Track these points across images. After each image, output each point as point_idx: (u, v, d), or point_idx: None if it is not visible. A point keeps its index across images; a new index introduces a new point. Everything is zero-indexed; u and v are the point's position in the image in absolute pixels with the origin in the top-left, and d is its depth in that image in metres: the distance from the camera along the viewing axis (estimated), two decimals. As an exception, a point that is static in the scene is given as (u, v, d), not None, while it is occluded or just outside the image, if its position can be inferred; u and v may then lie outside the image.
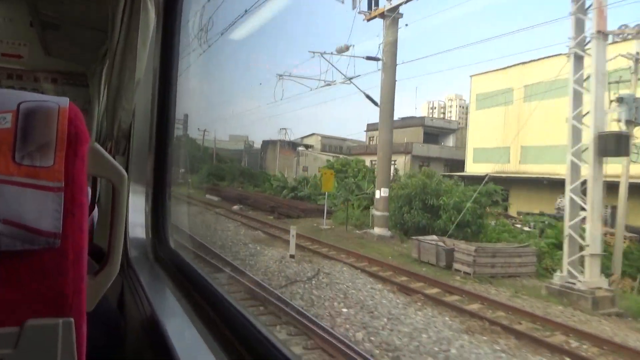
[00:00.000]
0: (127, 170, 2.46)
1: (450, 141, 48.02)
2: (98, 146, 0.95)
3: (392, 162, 27.70)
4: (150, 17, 2.27)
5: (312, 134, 66.99)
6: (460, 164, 37.20)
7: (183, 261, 2.22)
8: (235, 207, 27.54)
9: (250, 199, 29.70)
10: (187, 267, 2.11)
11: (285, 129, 70.04)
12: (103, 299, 1.98)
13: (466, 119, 48.33)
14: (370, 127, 48.57)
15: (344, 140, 68.97)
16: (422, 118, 52.85)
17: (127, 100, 2.39)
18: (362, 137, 58.81)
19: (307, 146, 61.12)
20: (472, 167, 33.82)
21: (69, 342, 0.82)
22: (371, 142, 47.71)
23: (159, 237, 2.53)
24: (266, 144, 60.02)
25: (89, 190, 2.12)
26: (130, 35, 2.26)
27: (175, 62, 2.58)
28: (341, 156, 53.78)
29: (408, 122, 45.57)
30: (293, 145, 60.46)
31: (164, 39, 2.52)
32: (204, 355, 1.34)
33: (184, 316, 1.67)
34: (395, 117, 27.41)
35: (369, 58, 22.61)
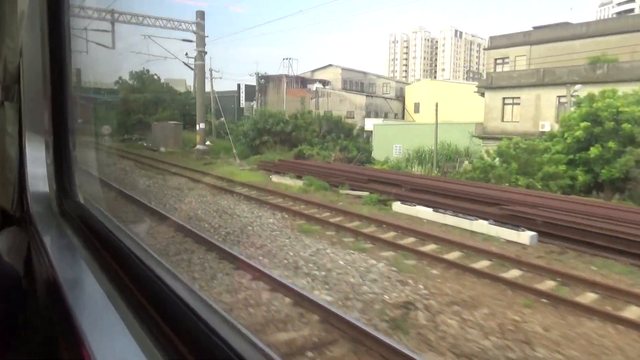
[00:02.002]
0: (19, 119, 2.20)
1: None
2: None
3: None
4: None
5: (329, 66, 54.50)
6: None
7: (91, 215, 2.05)
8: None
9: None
10: (96, 222, 1.95)
11: (289, 59, 63.55)
12: (3, 261, 1.80)
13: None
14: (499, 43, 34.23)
15: (365, 74, 57.63)
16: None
17: (10, 38, 2.08)
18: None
19: (323, 82, 50.46)
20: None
21: None
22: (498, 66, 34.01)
23: (64, 190, 2.32)
24: (266, 81, 48.80)
25: None
26: None
27: (66, -8, 2.27)
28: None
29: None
30: (303, 81, 50.21)
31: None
32: (111, 320, 1.24)
33: (90, 277, 1.54)
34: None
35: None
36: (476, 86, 35.01)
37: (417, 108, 50.72)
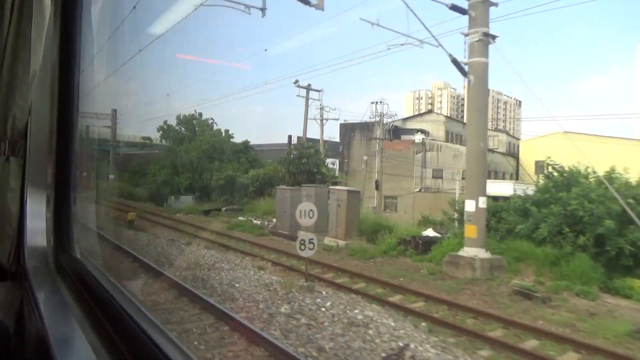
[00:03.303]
0: (23, 173, 2.24)
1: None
2: None
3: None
4: (46, 3, 2.07)
5: (428, 112, 43.63)
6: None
7: (87, 271, 2.04)
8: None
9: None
10: (91, 278, 1.94)
11: (379, 102, 37.05)
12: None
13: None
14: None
15: (465, 124, 40.06)
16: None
17: (21, 96, 2.16)
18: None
19: (424, 132, 39.40)
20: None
21: None
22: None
23: (61, 245, 2.32)
24: (350, 130, 39.55)
25: None
26: (22, 23, 2.05)
27: (77, 55, 2.37)
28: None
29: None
30: (394, 131, 38.70)
31: (63, 29, 2.30)
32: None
33: (81, 336, 1.51)
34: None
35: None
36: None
37: (540, 168, 41.84)
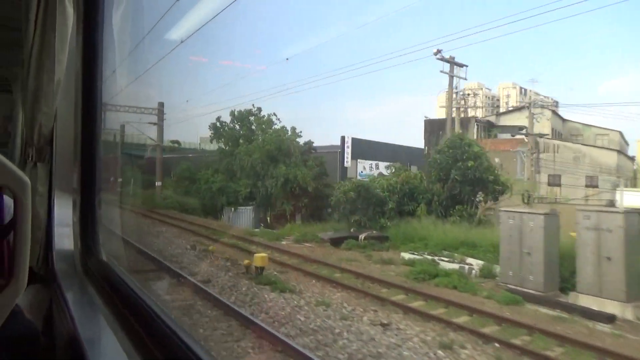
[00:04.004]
0: (50, 179, 2.31)
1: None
2: None
3: None
4: (68, 14, 2.13)
5: (525, 107, 33.79)
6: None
7: (113, 273, 2.10)
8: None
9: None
10: (117, 280, 2.00)
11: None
12: (23, 317, 1.84)
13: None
14: None
15: (564, 121, 39.25)
16: None
17: (47, 104, 2.23)
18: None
19: (522, 129, 31.66)
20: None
21: None
22: None
23: (87, 248, 2.39)
24: (435, 128, 32.74)
25: None
26: (47, 34, 2.11)
27: (99, 62, 2.44)
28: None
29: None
30: (489, 128, 34.41)
31: (86, 38, 2.37)
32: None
33: (110, 335, 1.57)
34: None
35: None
36: None
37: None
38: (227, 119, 32.63)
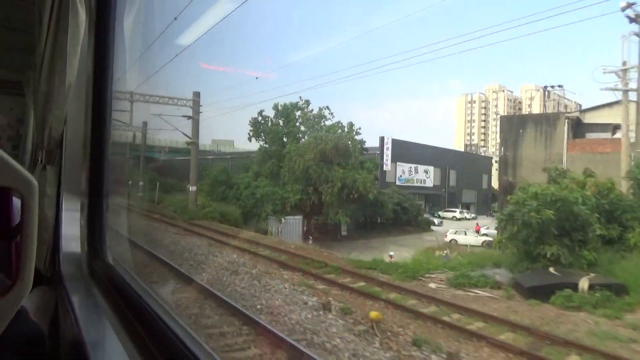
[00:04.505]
0: (59, 181, 2.32)
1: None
2: (0, 152, 0.86)
3: None
4: (81, 18, 2.15)
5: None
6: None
7: (118, 276, 2.10)
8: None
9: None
10: (122, 282, 1.99)
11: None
12: (28, 319, 1.84)
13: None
14: None
15: None
16: None
17: (57, 107, 2.25)
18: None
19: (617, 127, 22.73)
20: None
21: None
22: None
23: (94, 251, 2.39)
24: (514, 125, 27.53)
25: None
26: (59, 37, 2.13)
27: (110, 66, 2.45)
28: None
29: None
30: (577, 125, 25.97)
31: (97, 41, 2.39)
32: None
33: (114, 338, 1.56)
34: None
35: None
36: None
37: None
38: (239, 125, 30.61)
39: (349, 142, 25.47)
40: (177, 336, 1.37)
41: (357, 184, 22.78)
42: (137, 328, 1.56)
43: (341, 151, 24.29)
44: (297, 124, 28.61)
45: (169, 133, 29.17)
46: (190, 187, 26.45)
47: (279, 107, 28.50)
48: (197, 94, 26.28)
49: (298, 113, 28.66)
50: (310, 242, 21.71)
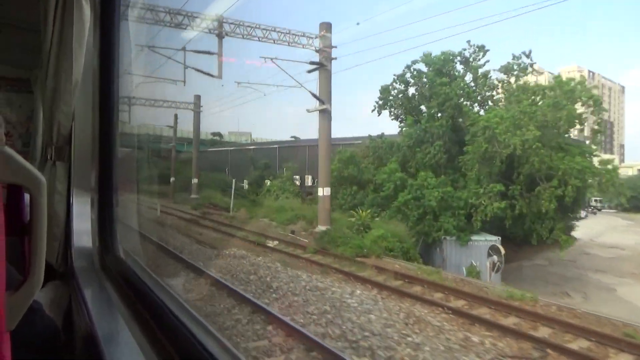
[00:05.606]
0: (69, 177, 2.34)
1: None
2: (9, 150, 0.87)
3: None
4: (85, 14, 2.15)
5: None
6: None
7: (130, 270, 2.12)
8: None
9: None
10: (134, 276, 2.01)
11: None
12: (43, 314, 1.87)
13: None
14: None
15: None
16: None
17: (65, 103, 2.26)
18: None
19: None
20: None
21: None
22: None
23: (105, 246, 2.41)
24: None
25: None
26: (65, 34, 2.14)
27: (116, 61, 2.46)
28: None
29: None
30: None
31: (102, 36, 2.39)
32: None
33: (126, 332, 1.57)
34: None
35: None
36: None
37: None
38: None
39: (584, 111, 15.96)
40: (189, 330, 1.38)
41: (605, 182, 14.41)
42: (149, 321, 1.57)
43: (562, 129, 15.83)
44: (472, 83, 18.66)
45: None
46: (322, 190, 16.48)
47: (434, 58, 18.78)
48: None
49: (460, 69, 18.59)
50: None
